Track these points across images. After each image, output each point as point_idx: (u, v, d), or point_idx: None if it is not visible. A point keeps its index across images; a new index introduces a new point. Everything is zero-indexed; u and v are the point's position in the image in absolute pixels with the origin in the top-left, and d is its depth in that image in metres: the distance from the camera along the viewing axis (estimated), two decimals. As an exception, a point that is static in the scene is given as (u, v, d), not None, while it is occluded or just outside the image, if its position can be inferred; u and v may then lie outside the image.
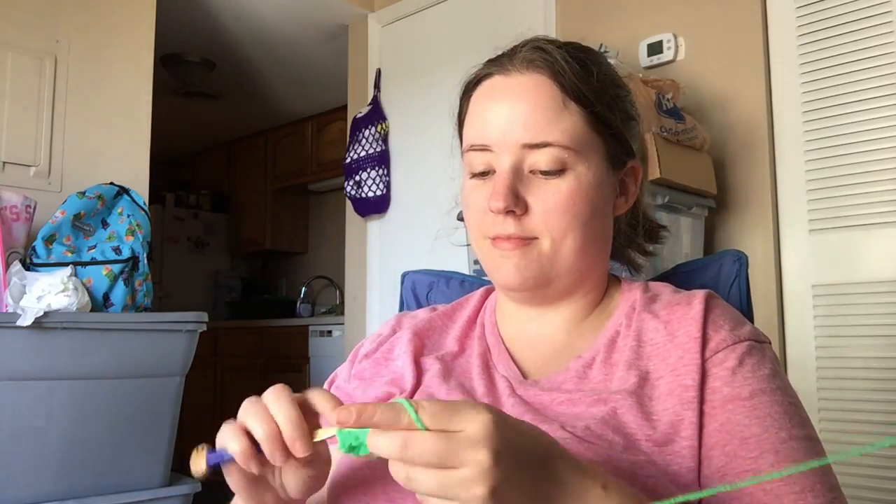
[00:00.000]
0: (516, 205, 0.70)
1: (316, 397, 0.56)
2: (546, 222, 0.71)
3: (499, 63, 0.76)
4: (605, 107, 0.74)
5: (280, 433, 0.54)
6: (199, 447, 0.56)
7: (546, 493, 0.51)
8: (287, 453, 0.54)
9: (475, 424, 0.47)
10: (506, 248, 0.72)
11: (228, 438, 0.55)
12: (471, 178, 0.76)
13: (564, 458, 0.53)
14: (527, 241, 0.72)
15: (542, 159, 0.71)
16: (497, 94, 0.74)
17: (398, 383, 0.76)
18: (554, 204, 0.71)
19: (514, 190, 0.71)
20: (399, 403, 0.49)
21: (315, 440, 0.55)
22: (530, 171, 0.72)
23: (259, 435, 0.54)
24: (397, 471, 0.48)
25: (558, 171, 0.71)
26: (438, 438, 0.47)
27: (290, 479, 0.59)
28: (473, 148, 0.74)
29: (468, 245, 0.79)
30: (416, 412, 0.48)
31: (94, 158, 2.35)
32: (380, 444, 0.48)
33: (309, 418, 0.56)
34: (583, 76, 0.73)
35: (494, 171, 0.73)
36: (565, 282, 0.75)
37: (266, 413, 0.55)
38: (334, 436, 0.52)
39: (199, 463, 0.55)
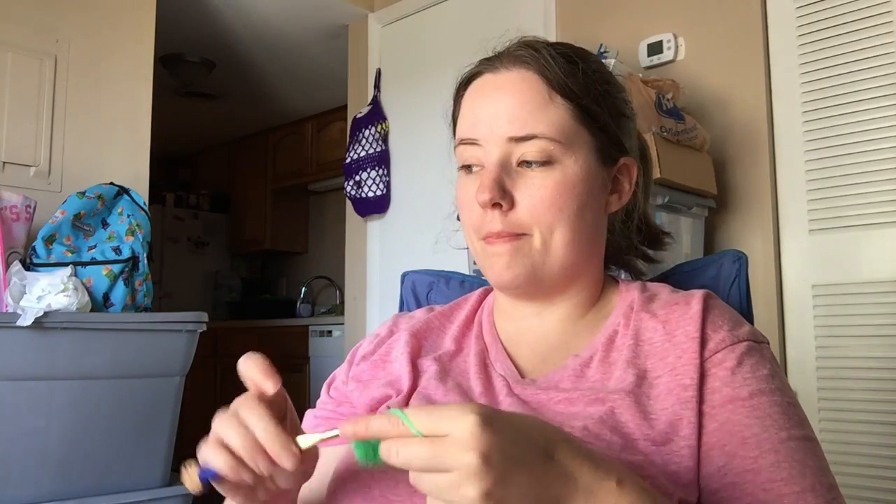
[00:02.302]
0: (502, 198, 0.71)
1: (247, 372, 0.58)
2: (532, 216, 0.72)
3: (489, 62, 0.77)
4: (593, 101, 0.75)
5: (259, 443, 0.54)
6: (187, 463, 0.56)
7: (552, 489, 0.50)
8: (272, 461, 0.55)
9: (460, 427, 0.47)
10: (497, 244, 0.73)
11: (211, 456, 0.55)
12: (459, 170, 0.77)
13: (573, 448, 0.52)
14: (517, 236, 0.72)
15: (529, 150, 0.72)
16: (485, 90, 0.75)
17: (395, 385, 0.76)
18: (540, 197, 0.72)
19: (501, 183, 0.71)
20: (391, 413, 0.49)
21: (302, 447, 0.55)
22: (518, 164, 0.73)
23: (239, 450, 0.54)
24: (410, 474, 0.49)
25: (545, 163, 0.72)
26: (424, 444, 0.47)
27: (280, 477, 0.59)
28: (463, 142, 0.76)
29: (468, 248, 0.80)
30: (408, 418, 0.49)
31: (94, 158, 2.35)
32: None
33: (283, 424, 0.57)
34: (568, 70, 0.74)
35: (483, 166, 0.74)
36: (557, 278, 0.75)
37: (242, 426, 0.55)
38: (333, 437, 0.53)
39: (192, 480, 0.55)
